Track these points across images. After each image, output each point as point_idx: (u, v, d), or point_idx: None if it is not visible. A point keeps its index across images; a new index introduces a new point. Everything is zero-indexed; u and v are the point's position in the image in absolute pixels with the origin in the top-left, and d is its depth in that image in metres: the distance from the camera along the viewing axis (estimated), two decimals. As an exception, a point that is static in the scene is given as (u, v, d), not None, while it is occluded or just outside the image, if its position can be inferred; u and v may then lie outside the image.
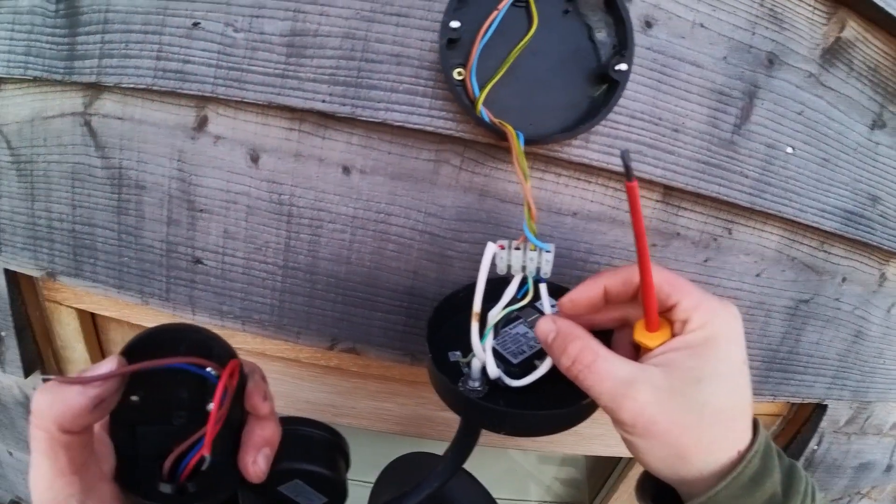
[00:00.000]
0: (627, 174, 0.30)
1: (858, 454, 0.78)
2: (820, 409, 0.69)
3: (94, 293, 0.60)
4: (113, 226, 0.55)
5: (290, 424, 0.40)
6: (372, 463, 0.66)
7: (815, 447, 0.72)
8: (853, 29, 0.54)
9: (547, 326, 0.37)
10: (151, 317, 0.61)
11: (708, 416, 0.32)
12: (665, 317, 0.35)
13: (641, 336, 0.35)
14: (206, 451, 0.31)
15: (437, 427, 0.67)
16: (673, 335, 0.34)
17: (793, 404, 0.71)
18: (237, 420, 0.34)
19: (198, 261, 0.54)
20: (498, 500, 0.57)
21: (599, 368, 0.33)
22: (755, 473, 0.32)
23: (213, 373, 0.32)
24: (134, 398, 0.31)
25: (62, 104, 0.54)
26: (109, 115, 0.53)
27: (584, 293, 0.38)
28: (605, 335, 0.40)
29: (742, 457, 0.32)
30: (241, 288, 0.54)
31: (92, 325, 0.68)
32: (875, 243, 0.60)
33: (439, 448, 0.65)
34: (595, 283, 0.38)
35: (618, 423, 0.34)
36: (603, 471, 0.93)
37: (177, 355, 0.31)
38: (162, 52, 0.49)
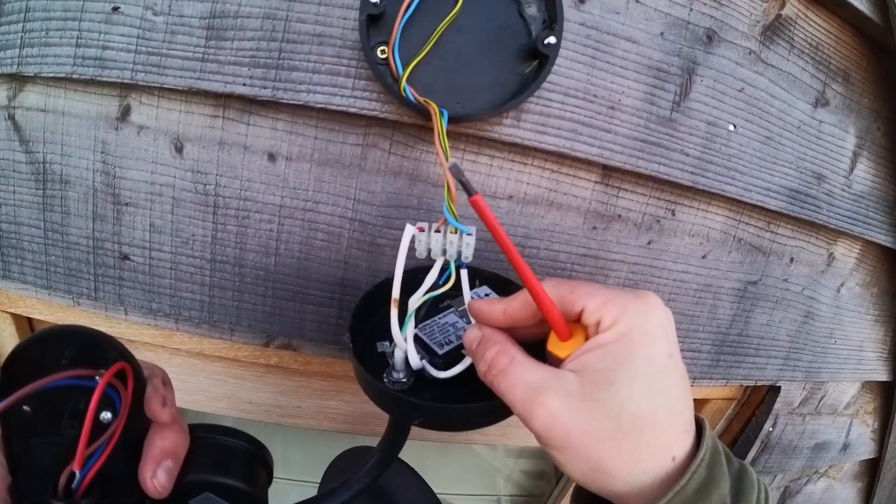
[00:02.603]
0: (466, 189, 0.28)
1: (814, 434, 0.78)
2: (773, 390, 0.69)
3: (25, 296, 0.57)
4: (38, 223, 0.53)
5: (207, 433, 0.37)
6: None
7: (771, 429, 0.71)
8: (794, 6, 0.53)
9: (473, 334, 0.35)
10: (86, 319, 0.58)
11: (626, 423, 0.28)
12: (579, 324, 0.32)
13: (553, 346, 0.33)
14: (75, 467, 0.29)
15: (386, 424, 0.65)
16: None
17: (746, 387, 0.70)
18: (138, 429, 0.31)
19: (125, 257, 0.52)
20: (467, 497, 0.56)
21: (511, 373, 0.31)
22: (700, 485, 0.28)
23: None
24: (25, 408, 0.29)
25: (-15, 97, 0.52)
26: (33, 107, 0.50)
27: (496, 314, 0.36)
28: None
29: (685, 467, 0.28)
30: (169, 284, 0.52)
31: (29, 329, 0.65)
32: (822, 222, 0.59)
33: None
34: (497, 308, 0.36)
35: (534, 434, 0.30)
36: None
37: (62, 364, 0.29)
38: (81, 38, 0.47)
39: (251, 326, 0.52)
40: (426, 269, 0.39)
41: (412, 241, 0.37)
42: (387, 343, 0.42)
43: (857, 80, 0.58)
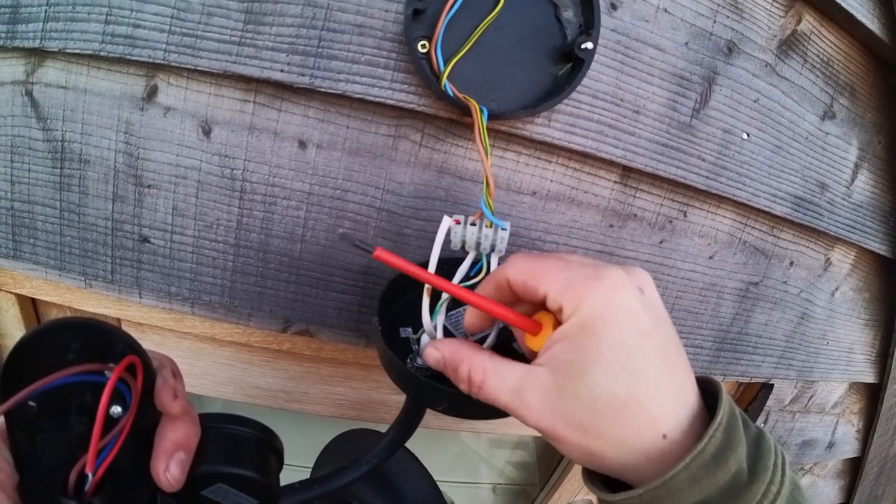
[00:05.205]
0: (365, 249, 0.30)
1: (802, 431, 0.81)
2: (766, 388, 0.72)
3: (34, 276, 0.56)
4: (54, 203, 0.52)
5: (216, 422, 0.36)
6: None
7: (762, 425, 0.74)
8: (809, 22, 0.55)
9: (433, 355, 0.35)
10: (95, 301, 0.58)
11: (602, 411, 0.28)
12: (546, 313, 0.33)
13: (528, 340, 0.33)
14: (88, 469, 0.28)
15: (392, 411, 0.66)
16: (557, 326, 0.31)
17: (740, 384, 0.73)
18: (148, 422, 0.31)
19: (145, 239, 0.52)
20: (450, 484, 0.57)
21: (490, 385, 0.31)
22: (718, 450, 0.28)
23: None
24: (31, 404, 0.27)
25: (1, 72, 0.50)
26: (52, 83, 0.49)
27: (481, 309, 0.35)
28: None
29: (699, 432, 0.29)
30: (190, 268, 0.52)
31: (33, 311, 0.64)
32: (822, 229, 0.62)
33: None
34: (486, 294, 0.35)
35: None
36: (555, 453, 0.94)
37: (68, 358, 0.28)
38: (111, 15, 0.46)
39: (272, 312, 0.53)
40: (452, 260, 0.39)
41: (447, 232, 0.38)
42: (409, 329, 0.43)
43: (862, 94, 0.61)
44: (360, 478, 0.41)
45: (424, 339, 0.39)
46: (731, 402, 0.30)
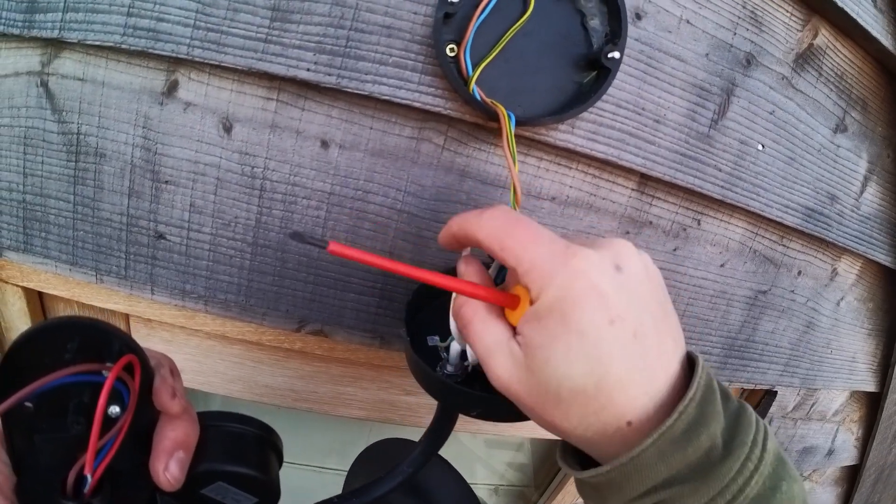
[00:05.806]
0: (318, 245, 0.29)
1: (803, 438, 0.82)
2: (770, 395, 0.73)
3: (43, 270, 0.56)
4: (68, 197, 0.51)
5: (215, 420, 0.36)
6: (333, 449, 0.64)
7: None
8: (825, 37, 0.56)
9: (460, 269, 0.36)
10: (104, 296, 0.57)
11: (567, 398, 0.28)
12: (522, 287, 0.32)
13: (508, 314, 0.33)
14: (87, 471, 0.28)
15: (400, 412, 0.66)
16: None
17: (744, 390, 0.74)
18: (146, 421, 0.31)
19: (160, 236, 0.51)
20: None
21: (473, 329, 0.32)
22: (689, 425, 0.27)
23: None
24: (28, 404, 0.27)
25: (16, 62, 0.49)
26: (69, 75, 0.48)
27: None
28: None
29: (672, 408, 0.28)
30: (206, 266, 0.52)
31: (39, 304, 0.63)
32: (830, 240, 0.63)
33: (402, 433, 0.65)
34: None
35: None
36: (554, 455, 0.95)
37: (65, 358, 0.28)
38: (134, 7, 0.45)
39: (288, 312, 0.53)
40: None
41: None
42: (437, 337, 0.43)
43: (873, 108, 0.62)
44: (397, 487, 0.41)
45: (454, 346, 0.39)
46: (708, 376, 0.30)
